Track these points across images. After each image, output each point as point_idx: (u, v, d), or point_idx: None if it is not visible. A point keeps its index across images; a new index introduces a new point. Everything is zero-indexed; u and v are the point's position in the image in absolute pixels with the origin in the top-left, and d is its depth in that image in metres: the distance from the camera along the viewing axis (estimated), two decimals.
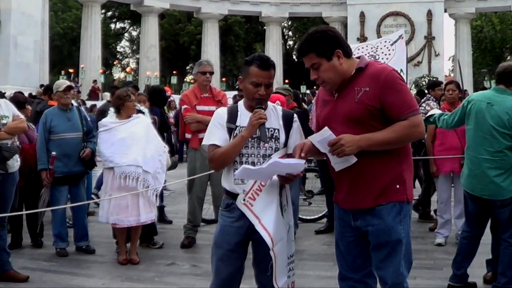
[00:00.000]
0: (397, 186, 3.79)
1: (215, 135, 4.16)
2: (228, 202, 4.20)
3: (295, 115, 4.30)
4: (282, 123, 4.18)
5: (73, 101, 8.37)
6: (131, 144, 7.15)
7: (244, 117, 4.15)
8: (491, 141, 5.67)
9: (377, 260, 3.85)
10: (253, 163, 4.08)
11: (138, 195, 7.10)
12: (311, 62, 3.79)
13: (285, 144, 4.17)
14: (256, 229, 4.07)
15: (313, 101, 8.65)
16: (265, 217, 4.05)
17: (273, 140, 4.13)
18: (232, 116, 4.19)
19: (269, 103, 4.28)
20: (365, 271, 4.02)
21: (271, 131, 4.13)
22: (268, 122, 4.09)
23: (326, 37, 3.77)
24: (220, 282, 4.24)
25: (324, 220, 9.41)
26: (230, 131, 4.15)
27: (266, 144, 4.08)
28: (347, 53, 3.82)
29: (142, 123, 7.43)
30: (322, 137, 3.68)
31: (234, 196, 4.14)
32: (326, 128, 3.67)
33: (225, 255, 4.17)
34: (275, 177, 4.04)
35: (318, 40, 3.76)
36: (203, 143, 4.32)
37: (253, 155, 4.11)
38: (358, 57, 3.91)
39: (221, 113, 4.25)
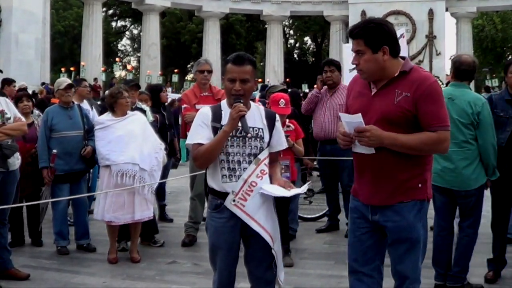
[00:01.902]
0: (419, 185, 3.92)
1: (200, 134, 4.17)
2: (217, 203, 4.21)
3: (277, 115, 4.36)
4: (266, 123, 4.23)
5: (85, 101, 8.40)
6: (128, 142, 7.12)
7: (228, 116, 4.16)
8: (456, 134, 5.71)
9: (396, 255, 4.00)
10: (238, 162, 4.14)
11: (134, 193, 7.11)
12: (357, 48, 3.89)
13: (268, 144, 4.23)
14: (248, 225, 4.14)
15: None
16: (262, 217, 4.11)
17: (258, 139, 4.17)
18: (216, 115, 4.22)
19: (251, 103, 4.33)
20: (373, 265, 4.10)
21: (256, 130, 4.18)
22: (252, 121, 4.16)
23: (379, 30, 3.86)
24: (224, 280, 4.29)
25: (325, 219, 9.41)
26: (216, 130, 4.16)
27: (249, 135, 4.11)
28: (395, 52, 3.90)
29: (138, 120, 7.41)
30: (352, 120, 3.81)
31: (222, 195, 4.17)
32: (359, 114, 3.77)
33: (225, 255, 4.23)
34: (266, 177, 4.14)
35: (370, 30, 3.86)
36: (187, 142, 4.31)
37: (238, 154, 4.16)
38: (403, 58, 3.99)
39: (205, 112, 4.27)
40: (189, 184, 8.36)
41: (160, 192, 9.78)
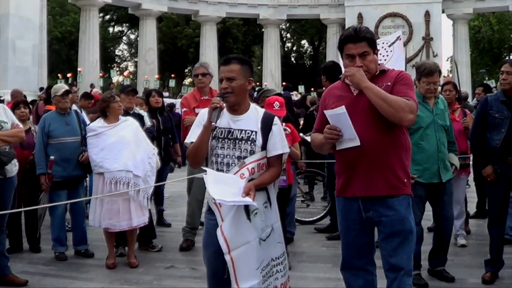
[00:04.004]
0: (405, 180, 4.18)
1: (195, 133, 4.25)
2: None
3: (275, 118, 4.34)
4: (260, 126, 4.22)
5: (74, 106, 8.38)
6: (121, 149, 7.13)
7: (224, 118, 4.23)
8: None
9: (390, 248, 4.16)
10: (227, 164, 4.17)
11: (129, 199, 7.12)
12: (362, 50, 4.14)
13: (264, 147, 4.20)
14: None
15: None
16: (226, 220, 4.07)
17: (249, 142, 4.17)
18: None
19: (252, 105, 4.38)
20: (367, 259, 4.34)
21: (248, 133, 4.19)
22: (246, 124, 4.20)
23: (373, 34, 4.25)
24: (212, 282, 4.33)
25: (324, 221, 9.44)
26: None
27: (213, 123, 4.12)
28: None
29: (130, 126, 7.41)
30: (335, 113, 4.03)
31: None
32: (342, 106, 4.00)
33: (212, 256, 4.24)
34: (244, 181, 4.09)
35: (371, 33, 4.21)
36: (185, 141, 4.42)
37: (228, 156, 4.18)
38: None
39: (203, 113, 4.32)
40: (186, 188, 8.36)
41: (158, 197, 9.79)
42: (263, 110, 4.43)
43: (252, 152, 4.16)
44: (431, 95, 6.36)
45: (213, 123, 4.12)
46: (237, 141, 4.17)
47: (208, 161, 4.25)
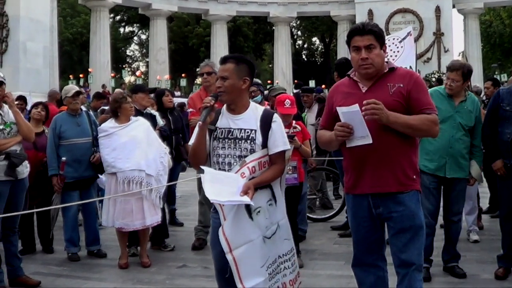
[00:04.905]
0: (414, 177, 4.19)
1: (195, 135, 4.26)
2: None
3: (275, 115, 4.33)
4: (259, 124, 4.21)
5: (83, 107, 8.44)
6: (133, 148, 7.15)
7: (224, 118, 4.25)
8: None
9: (401, 244, 4.17)
10: (229, 164, 4.18)
11: (143, 199, 7.13)
12: (369, 42, 4.11)
13: (264, 145, 4.20)
14: None
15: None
16: (228, 219, 4.08)
17: (248, 141, 4.17)
18: (214, 118, 4.27)
19: (252, 103, 4.39)
20: (378, 255, 4.35)
21: (247, 132, 4.19)
22: (245, 123, 4.21)
23: (382, 30, 4.24)
24: (220, 280, 4.36)
25: (335, 219, 9.43)
26: (210, 132, 4.24)
27: (200, 122, 4.13)
28: None
29: (142, 126, 7.43)
30: (349, 110, 3.98)
31: None
32: (356, 105, 3.95)
33: (218, 254, 4.24)
34: (244, 180, 4.08)
35: (378, 27, 4.21)
36: (189, 143, 4.43)
37: (229, 156, 4.19)
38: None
39: None
40: (197, 187, 8.36)
41: (170, 197, 9.79)
42: (262, 108, 4.43)
43: (252, 151, 4.16)
44: (450, 92, 6.32)
45: (200, 122, 4.14)
46: (237, 140, 4.17)
47: (210, 162, 4.26)
